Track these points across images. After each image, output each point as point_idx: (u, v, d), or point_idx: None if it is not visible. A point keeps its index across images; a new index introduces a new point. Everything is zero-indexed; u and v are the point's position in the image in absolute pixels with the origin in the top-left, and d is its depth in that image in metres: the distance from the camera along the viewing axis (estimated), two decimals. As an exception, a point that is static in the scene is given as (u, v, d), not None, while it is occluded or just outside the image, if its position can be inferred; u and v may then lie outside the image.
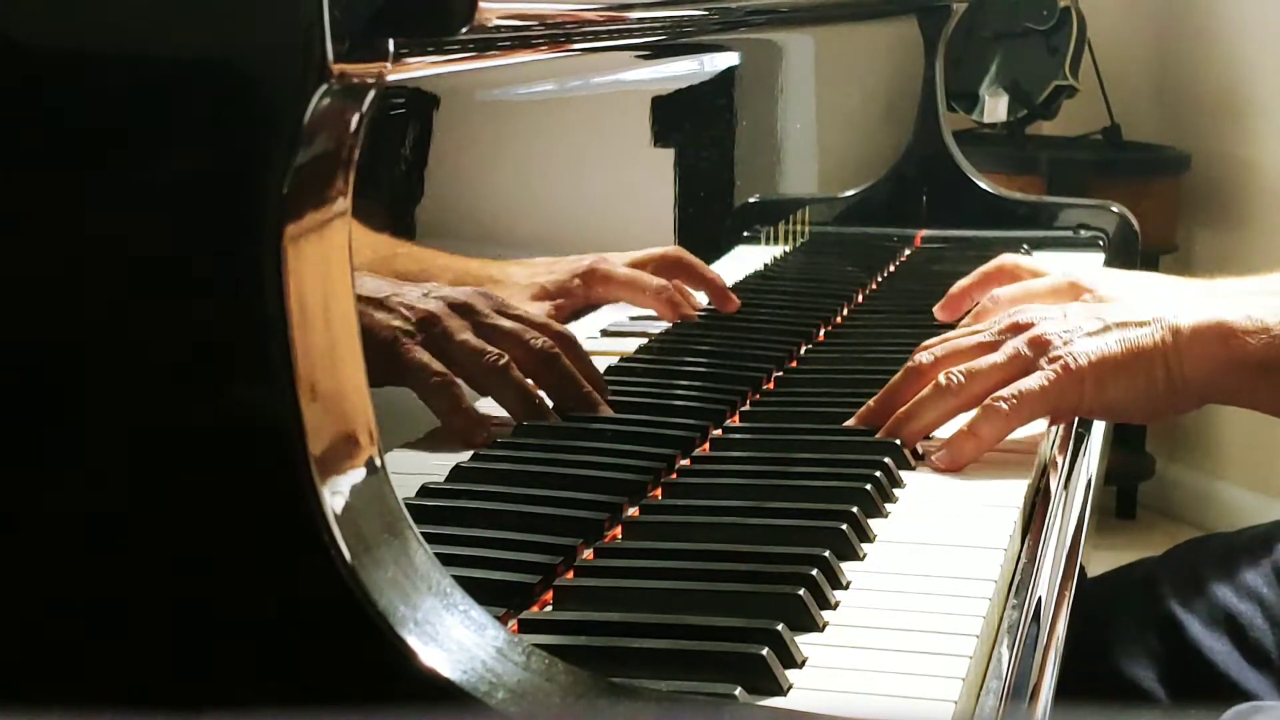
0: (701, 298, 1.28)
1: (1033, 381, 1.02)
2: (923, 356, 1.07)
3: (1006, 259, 1.42)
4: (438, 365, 0.89)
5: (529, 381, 0.96)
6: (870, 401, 1.07)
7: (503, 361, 0.94)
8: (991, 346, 1.06)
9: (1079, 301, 1.17)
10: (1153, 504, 3.29)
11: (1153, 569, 1.21)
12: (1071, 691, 0.92)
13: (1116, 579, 1.23)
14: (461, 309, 0.92)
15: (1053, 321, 1.05)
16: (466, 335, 0.92)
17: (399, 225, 0.90)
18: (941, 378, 1.04)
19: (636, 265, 1.20)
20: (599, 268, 1.14)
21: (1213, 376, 1.03)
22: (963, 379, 1.03)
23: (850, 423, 1.07)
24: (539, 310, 1.03)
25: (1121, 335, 1.03)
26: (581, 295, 1.12)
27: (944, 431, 1.05)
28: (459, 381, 0.90)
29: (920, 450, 1.05)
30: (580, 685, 0.64)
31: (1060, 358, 1.02)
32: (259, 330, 0.61)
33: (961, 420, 1.05)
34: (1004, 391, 1.01)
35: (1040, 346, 1.03)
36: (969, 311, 1.37)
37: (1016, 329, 1.06)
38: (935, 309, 1.39)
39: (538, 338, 0.97)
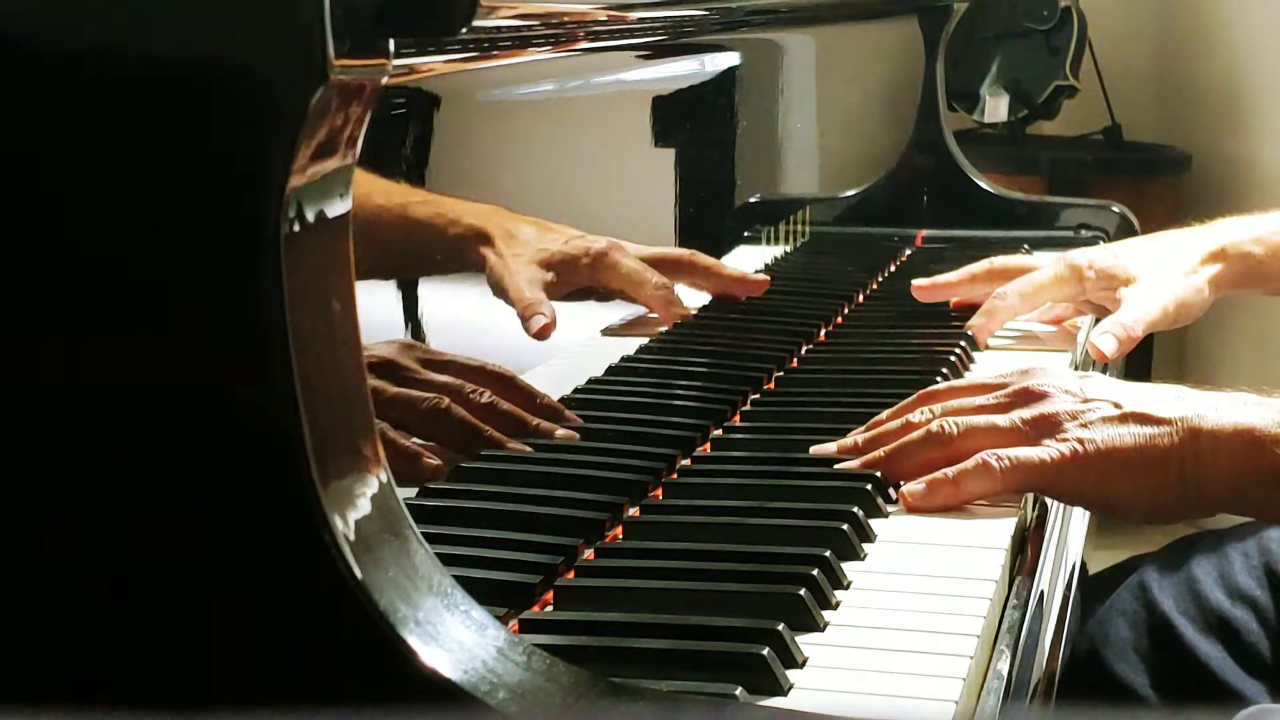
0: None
1: (1035, 453, 0.95)
2: (924, 413, 1.01)
3: (996, 261, 1.42)
4: None
5: (474, 420, 0.94)
6: (856, 435, 1.03)
7: (442, 405, 0.91)
8: (997, 409, 0.99)
9: (1097, 376, 1.05)
10: (1153, 504, 3.28)
11: (1145, 571, 1.20)
12: (1065, 693, 0.91)
13: (1109, 579, 1.23)
14: (386, 367, 0.88)
15: (1066, 400, 0.98)
16: (396, 391, 0.89)
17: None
18: (935, 424, 0.98)
19: (647, 261, 1.20)
20: (610, 255, 1.14)
21: (1234, 486, 0.95)
22: (955, 431, 0.98)
23: (831, 449, 1.02)
24: (530, 295, 1.02)
25: (1137, 430, 0.95)
26: (585, 276, 1.12)
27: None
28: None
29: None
30: (581, 685, 0.64)
31: (1068, 440, 0.95)
32: (259, 330, 0.61)
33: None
34: (1003, 452, 0.95)
35: (1048, 426, 0.97)
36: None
37: (1028, 397, 0.99)
38: (914, 284, 1.41)
39: (474, 390, 0.94)
